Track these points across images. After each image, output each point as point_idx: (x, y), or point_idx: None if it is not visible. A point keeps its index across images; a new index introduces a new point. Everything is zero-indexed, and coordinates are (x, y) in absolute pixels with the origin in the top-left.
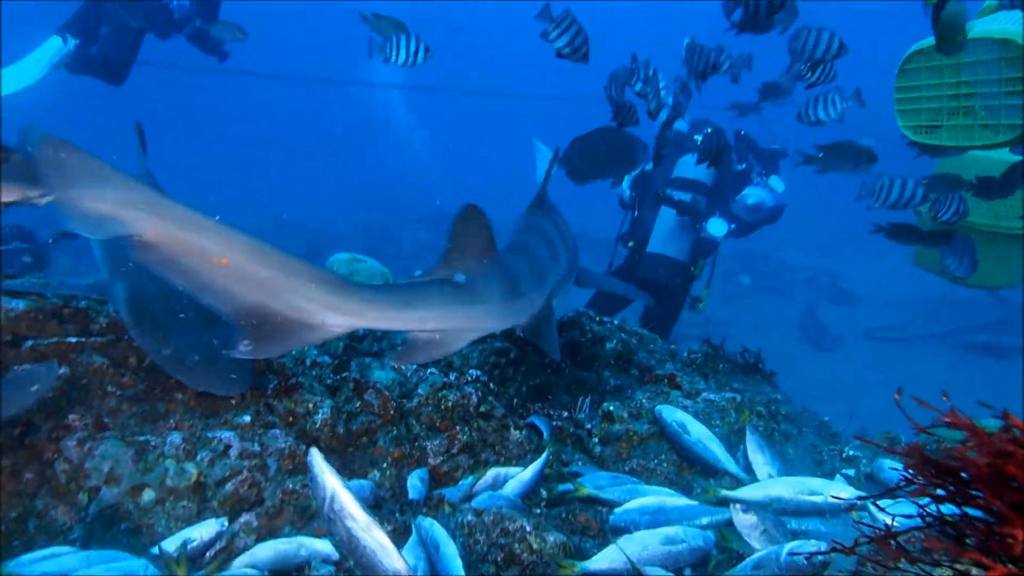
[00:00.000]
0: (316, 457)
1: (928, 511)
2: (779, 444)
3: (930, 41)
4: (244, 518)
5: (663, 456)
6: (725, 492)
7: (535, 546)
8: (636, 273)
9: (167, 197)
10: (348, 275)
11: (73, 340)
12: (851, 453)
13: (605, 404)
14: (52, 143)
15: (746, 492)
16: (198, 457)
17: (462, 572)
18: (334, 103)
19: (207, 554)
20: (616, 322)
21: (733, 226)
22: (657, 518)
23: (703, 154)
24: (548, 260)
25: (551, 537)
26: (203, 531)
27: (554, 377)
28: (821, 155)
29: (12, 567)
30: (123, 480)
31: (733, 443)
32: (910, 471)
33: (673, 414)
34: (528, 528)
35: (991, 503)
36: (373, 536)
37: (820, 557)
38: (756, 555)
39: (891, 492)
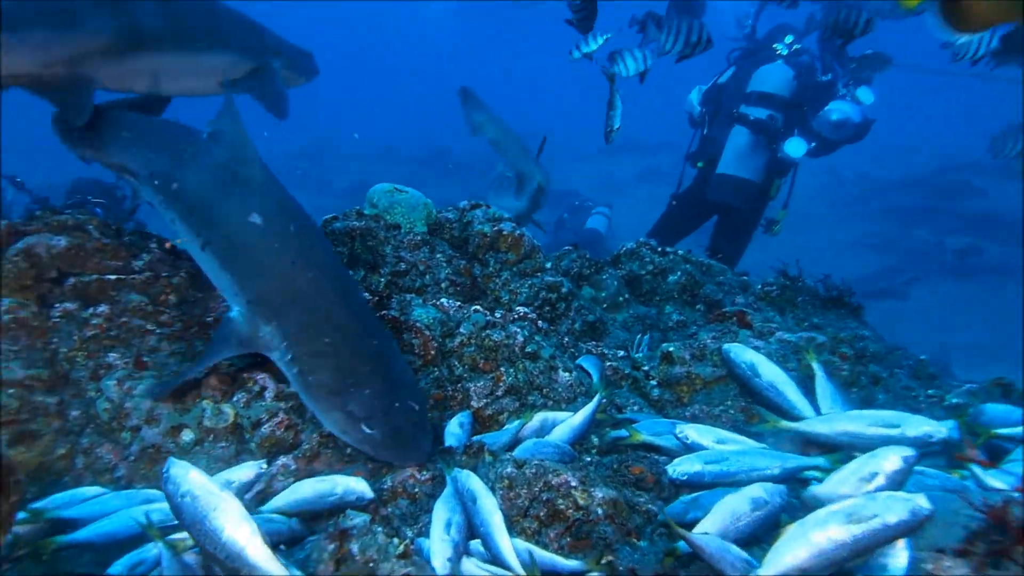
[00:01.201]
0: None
1: None
2: (867, 388)
3: None
4: (282, 460)
5: (729, 402)
6: (787, 424)
7: (581, 502)
8: (704, 195)
9: None
10: (390, 205)
11: (113, 278)
12: (953, 401)
13: (664, 345)
14: None
15: (810, 425)
16: (234, 398)
17: (501, 527)
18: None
19: (245, 496)
20: (681, 252)
21: (813, 145)
22: (723, 471)
23: (833, 29)
24: None
25: (599, 493)
26: (242, 473)
27: (611, 313)
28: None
29: (58, 502)
30: (162, 420)
31: (811, 389)
32: None
33: (742, 354)
34: (573, 482)
35: None
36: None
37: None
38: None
39: None
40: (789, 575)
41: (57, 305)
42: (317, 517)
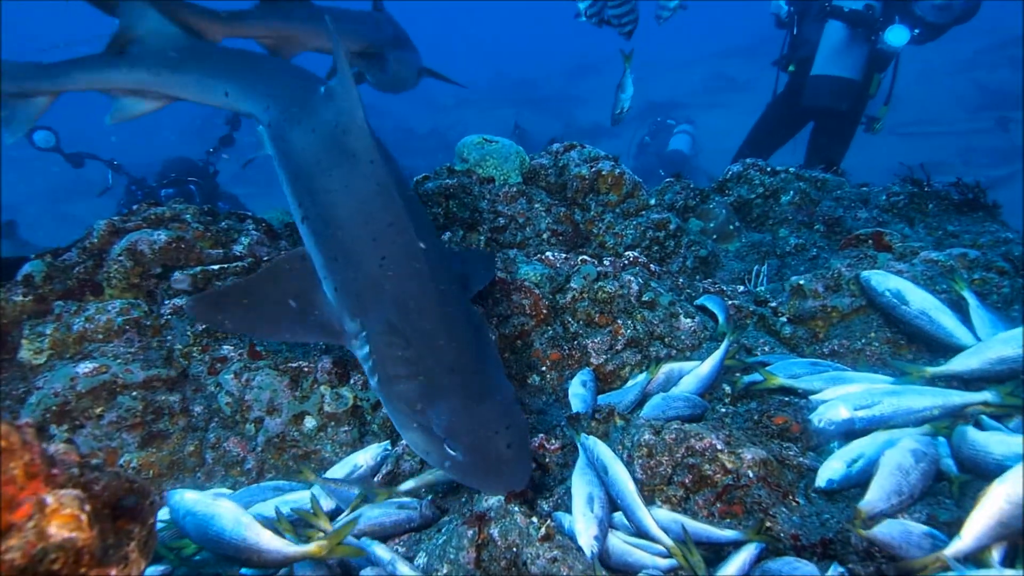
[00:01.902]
0: None
1: None
2: None
3: None
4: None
5: (872, 334)
6: (934, 370)
7: (730, 466)
8: (799, 101)
9: None
10: (481, 158)
11: (216, 268)
12: None
13: (793, 277)
14: None
15: (958, 364)
16: (352, 380)
17: (636, 496)
18: None
19: (375, 479)
20: (793, 169)
21: (917, 31)
22: (876, 416)
23: None
24: None
25: (748, 454)
26: (367, 455)
27: (722, 244)
28: None
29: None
30: (284, 410)
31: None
32: None
33: (885, 281)
34: (719, 445)
35: None
36: None
37: None
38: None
39: None
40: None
41: (166, 302)
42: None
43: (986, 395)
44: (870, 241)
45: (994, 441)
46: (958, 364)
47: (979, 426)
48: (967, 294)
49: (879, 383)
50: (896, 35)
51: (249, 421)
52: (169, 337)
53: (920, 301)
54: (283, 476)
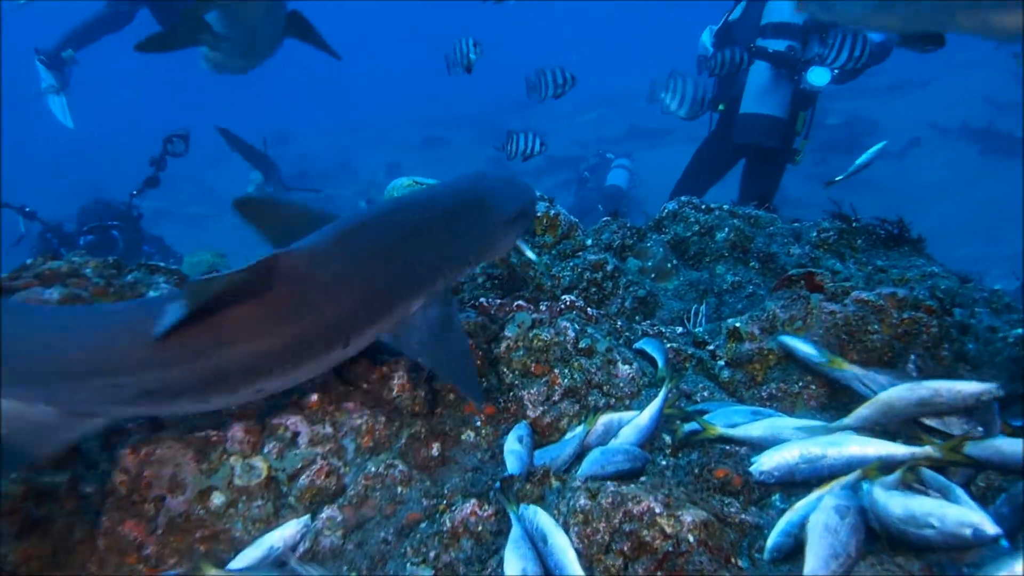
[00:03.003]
0: None
1: None
2: (957, 342)
3: None
4: (326, 512)
5: (809, 377)
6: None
7: (669, 530)
8: (730, 138)
9: None
10: None
11: None
12: None
13: (729, 320)
14: None
15: (852, 418)
16: (265, 449)
17: (577, 569)
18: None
19: (293, 557)
20: (727, 207)
21: (836, 71)
22: (816, 468)
23: None
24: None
25: (687, 516)
26: (284, 533)
27: (660, 283)
28: None
29: None
30: (188, 486)
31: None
32: None
33: (799, 346)
34: (657, 508)
35: None
36: None
37: None
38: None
39: None
40: None
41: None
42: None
43: (928, 449)
44: (802, 282)
45: (894, 503)
46: (852, 418)
47: (920, 481)
48: (847, 370)
49: (819, 431)
50: (817, 76)
51: (148, 501)
52: None
53: (808, 350)
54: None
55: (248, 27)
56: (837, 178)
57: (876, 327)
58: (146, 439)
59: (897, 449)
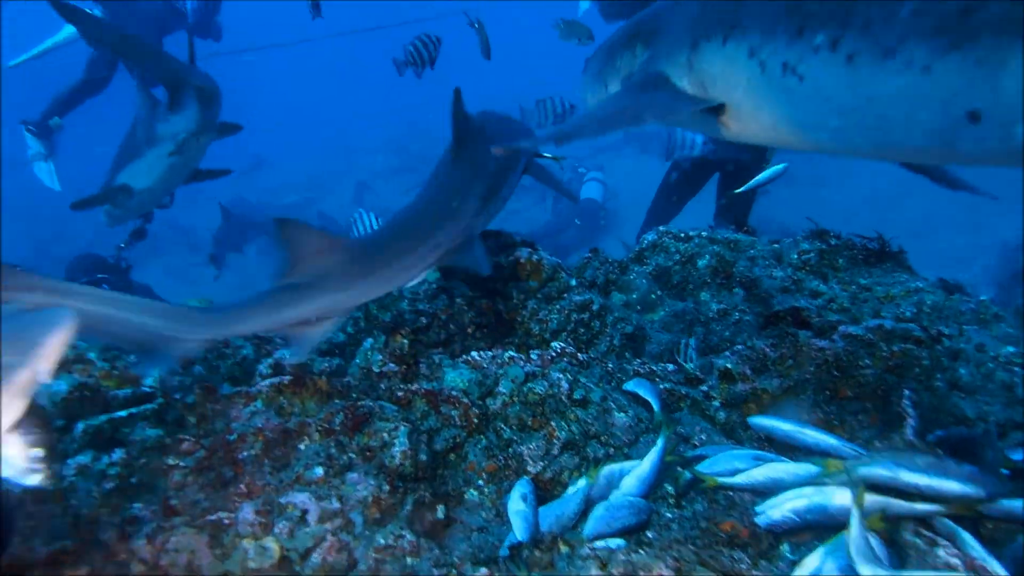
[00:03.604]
0: None
1: None
2: (949, 370)
3: None
4: None
5: (805, 416)
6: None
7: None
8: (706, 156)
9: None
10: None
11: (124, 414)
12: None
13: (720, 361)
14: None
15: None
16: (276, 529)
17: None
18: None
19: None
20: (705, 233)
21: None
22: (823, 519)
23: None
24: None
25: None
26: None
27: (646, 315)
28: None
29: None
30: (203, 572)
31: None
32: None
33: (775, 425)
34: (668, 575)
35: None
36: None
37: None
38: None
39: None
40: None
41: (70, 461)
42: None
43: (937, 507)
44: (789, 319)
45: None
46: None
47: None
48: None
49: (821, 476)
50: None
51: None
52: (74, 502)
53: (787, 427)
54: None
55: (177, 175)
56: (736, 191)
57: (867, 361)
58: (160, 527)
59: (900, 504)
